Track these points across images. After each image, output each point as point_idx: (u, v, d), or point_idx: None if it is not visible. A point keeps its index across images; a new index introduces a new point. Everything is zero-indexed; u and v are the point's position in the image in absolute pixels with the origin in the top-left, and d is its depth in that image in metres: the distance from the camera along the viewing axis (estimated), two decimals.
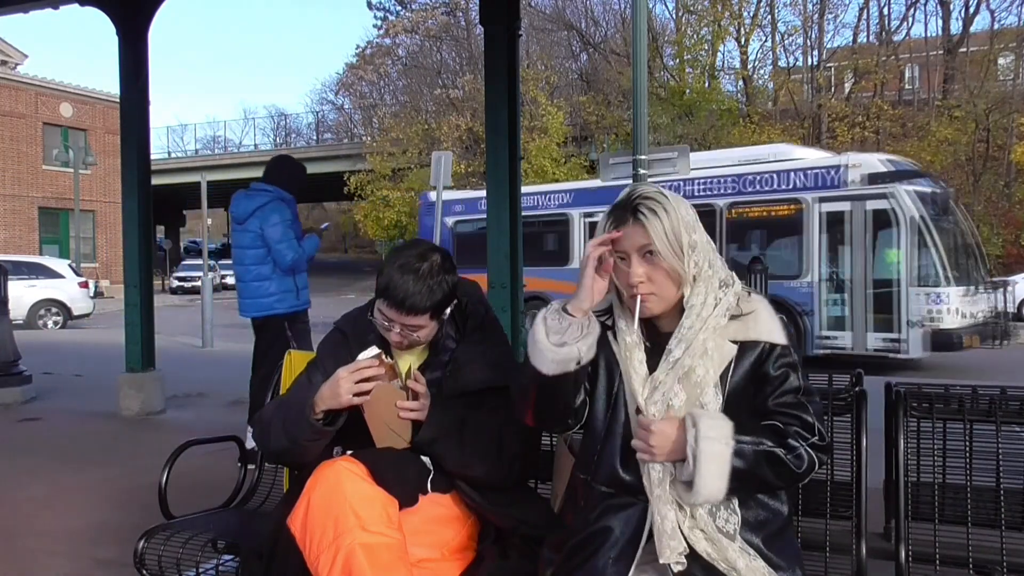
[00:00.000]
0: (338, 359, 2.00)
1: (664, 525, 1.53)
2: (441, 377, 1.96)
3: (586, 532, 1.59)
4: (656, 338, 1.66)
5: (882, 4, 32.48)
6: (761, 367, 1.61)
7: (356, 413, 1.87)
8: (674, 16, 33.14)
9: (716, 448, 1.49)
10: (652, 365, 1.64)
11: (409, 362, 2.01)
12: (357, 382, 1.80)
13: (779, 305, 8.36)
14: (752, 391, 1.61)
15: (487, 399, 1.94)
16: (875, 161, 10.73)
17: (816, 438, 1.58)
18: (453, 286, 1.92)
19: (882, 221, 10.34)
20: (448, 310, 1.94)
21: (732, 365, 1.60)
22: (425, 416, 1.81)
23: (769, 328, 1.62)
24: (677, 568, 1.51)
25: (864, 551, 1.93)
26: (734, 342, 1.60)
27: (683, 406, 1.58)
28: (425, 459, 1.87)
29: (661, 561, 1.51)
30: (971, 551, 2.05)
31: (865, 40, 31.68)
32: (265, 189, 4.75)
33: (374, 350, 1.85)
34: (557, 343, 1.58)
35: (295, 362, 2.59)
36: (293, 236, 4.68)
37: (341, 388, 1.80)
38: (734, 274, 1.68)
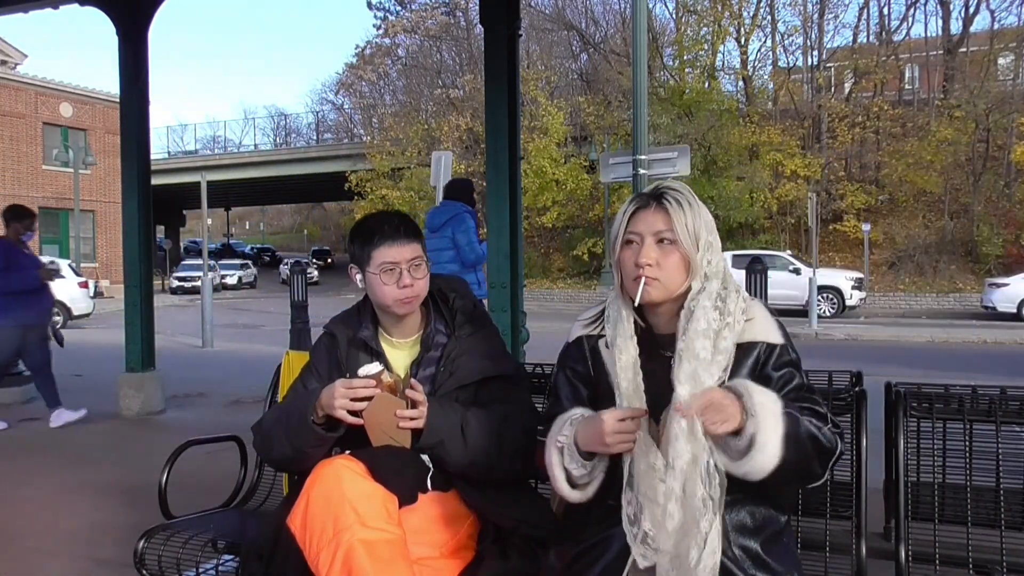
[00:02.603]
0: (331, 362, 2.02)
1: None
2: (435, 373, 1.97)
3: (588, 543, 1.59)
4: (653, 341, 1.67)
5: (882, 4, 32.58)
6: (762, 368, 1.61)
7: (343, 429, 1.87)
8: (674, 16, 33.16)
9: (771, 404, 1.48)
10: (647, 366, 1.64)
11: (403, 360, 2.02)
12: (352, 399, 1.80)
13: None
14: None
15: (482, 390, 1.96)
16: None
17: (830, 426, 1.60)
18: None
19: None
20: (427, 264, 2.00)
21: (730, 367, 1.60)
22: (424, 423, 1.81)
23: (766, 329, 1.63)
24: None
25: (864, 551, 1.93)
26: (734, 344, 1.61)
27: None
28: (424, 457, 1.88)
29: None
30: (971, 551, 2.05)
31: (865, 40, 31.69)
32: (453, 204, 5.96)
33: (376, 367, 1.83)
34: (584, 483, 1.63)
35: (293, 363, 2.60)
36: (477, 241, 5.90)
37: (335, 402, 1.80)
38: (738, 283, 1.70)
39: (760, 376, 1.61)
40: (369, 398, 1.80)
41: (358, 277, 1.99)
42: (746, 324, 1.63)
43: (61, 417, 6.10)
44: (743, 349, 1.61)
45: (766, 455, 1.45)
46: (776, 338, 1.63)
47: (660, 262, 1.61)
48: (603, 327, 1.73)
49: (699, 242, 1.61)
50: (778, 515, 1.62)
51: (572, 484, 1.64)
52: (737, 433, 1.47)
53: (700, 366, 1.55)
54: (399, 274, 1.90)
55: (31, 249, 6.30)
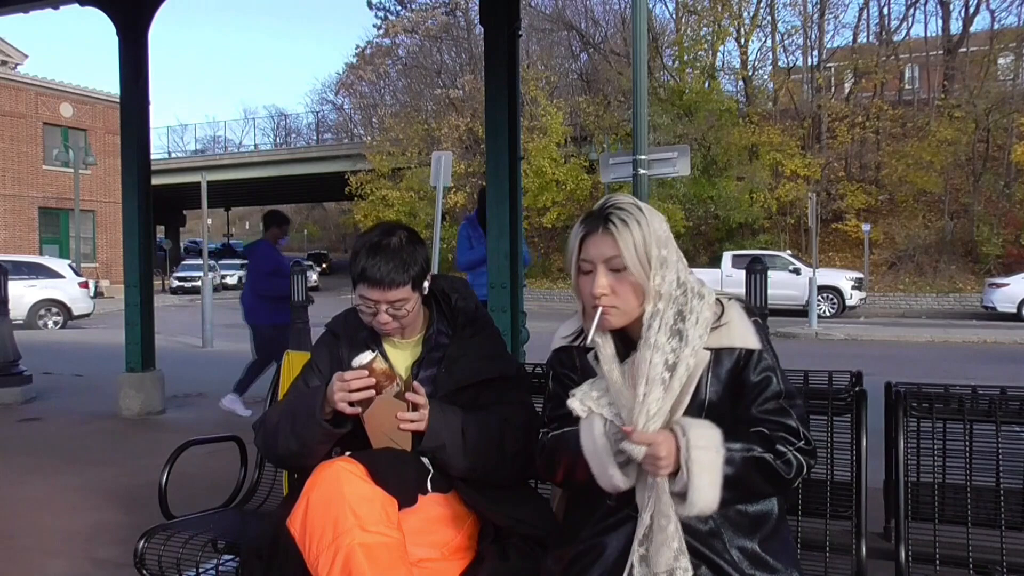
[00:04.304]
0: (331, 361, 2.02)
1: (668, 529, 1.48)
2: (436, 373, 1.97)
3: (584, 545, 1.58)
4: (627, 344, 1.64)
5: (882, 4, 32.61)
6: (740, 374, 1.59)
7: (357, 418, 1.87)
8: (674, 16, 33.16)
9: (708, 457, 1.46)
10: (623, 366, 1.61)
11: (405, 361, 2.01)
12: (350, 391, 1.79)
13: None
14: (732, 399, 1.59)
15: (483, 392, 1.96)
16: None
17: (802, 442, 1.56)
18: (426, 258, 1.94)
19: None
20: (426, 283, 1.96)
21: (708, 373, 1.57)
22: (425, 426, 1.81)
23: (742, 333, 1.60)
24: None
25: (864, 551, 1.93)
26: (707, 349, 1.58)
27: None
28: (424, 459, 1.87)
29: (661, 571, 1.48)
30: (971, 551, 2.05)
31: (865, 40, 31.67)
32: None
33: (368, 356, 1.83)
34: (624, 461, 1.53)
35: (293, 363, 2.60)
36: (466, 246, 6.07)
37: (336, 396, 1.80)
38: (707, 285, 1.65)
39: (737, 382, 1.59)
40: (366, 388, 1.79)
41: None
42: (722, 328, 1.59)
43: (233, 404, 6.52)
44: (720, 355, 1.58)
45: (700, 506, 1.46)
46: (753, 343, 1.60)
47: (615, 289, 1.57)
48: (583, 340, 1.70)
49: (651, 260, 1.56)
50: (771, 511, 1.61)
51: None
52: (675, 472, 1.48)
53: (648, 418, 1.52)
54: (376, 312, 1.90)
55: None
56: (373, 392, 1.80)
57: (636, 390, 1.53)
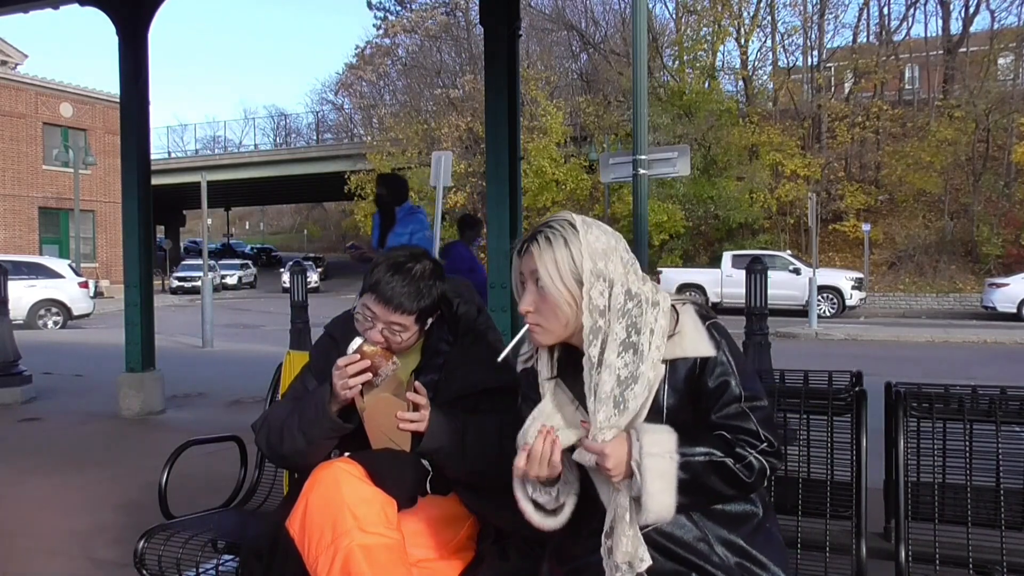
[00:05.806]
0: (328, 364, 2.01)
1: (624, 518, 1.49)
2: (436, 380, 1.96)
3: (580, 561, 1.57)
4: (574, 358, 1.61)
5: (882, 4, 32.61)
6: (696, 382, 1.57)
7: (358, 420, 1.87)
8: (674, 16, 33.18)
9: (660, 463, 1.45)
10: (568, 380, 1.62)
11: (404, 368, 2.00)
12: (350, 376, 1.80)
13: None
14: (691, 408, 1.57)
15: (483, 400, 1.94)
16: None
17: (764, 444, 1.53)
18: (441, 295, 1.94)
19: None
20: (430, 320, 1.95)
21: (664, 384, 1.56)
22: (425, 427, 1.80)
23: (694, 342, 1.56)
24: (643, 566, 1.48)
25: (864, 551, 1.94)
26: (662, 361, 1.55)
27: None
28: (424, 460, 1.87)
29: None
30: (971, 551, 2.05)
31: (865, 40, 31.70)
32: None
33: (357, 342, 1.84)
34: (552, 508, 1.58)
35: (293, 363, 2.60)
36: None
37: (336, 385, 1.81)
38: (663, 293, 1.61)
39: (695, 390, 1.57)
40: (362, 371, 1.80)
41: None
42: (676, 338, 1.57)
43: None
44: (675, 365, 1.56)
45: (655, 511, 1.45)
46: (707, 350, 1.56)
47: (539, 307, 1.57)
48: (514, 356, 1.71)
49: (582, 277, 1.52)
50: (754, 507, 1.59)
51: (544, 512, 1.60)
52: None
53: (598, 431, 1.52)
54: (372, 326, 1.89)
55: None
56: (371, 375, 1.80)
57: (588, 408, 1.53)
